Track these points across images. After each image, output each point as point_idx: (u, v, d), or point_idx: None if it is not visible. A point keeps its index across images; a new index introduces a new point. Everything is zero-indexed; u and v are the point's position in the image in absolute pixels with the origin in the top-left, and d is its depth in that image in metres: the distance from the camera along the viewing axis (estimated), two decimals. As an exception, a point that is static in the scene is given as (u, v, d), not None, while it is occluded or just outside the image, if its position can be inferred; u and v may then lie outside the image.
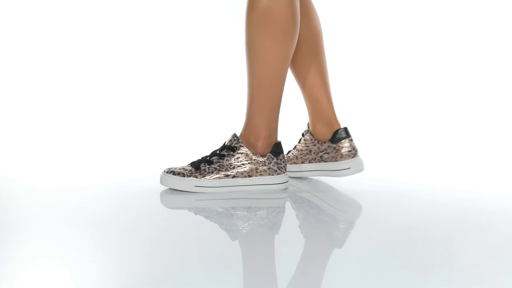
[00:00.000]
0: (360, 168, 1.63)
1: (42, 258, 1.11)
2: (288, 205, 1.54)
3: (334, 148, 1.63)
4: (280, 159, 1.58)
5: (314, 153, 1.66)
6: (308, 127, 1.70)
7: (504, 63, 2.88)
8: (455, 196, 1.63)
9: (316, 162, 1.66)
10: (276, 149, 1.58)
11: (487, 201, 1.58)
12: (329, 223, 1.42)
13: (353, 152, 1.62)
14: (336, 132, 1.64)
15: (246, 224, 1.39)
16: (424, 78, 2.91)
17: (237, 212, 1.49)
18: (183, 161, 1.82)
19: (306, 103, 1.70)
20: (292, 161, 1.72)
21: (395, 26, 2.97)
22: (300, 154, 1.69)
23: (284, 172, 1.58)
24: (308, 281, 1.01)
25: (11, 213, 1.44)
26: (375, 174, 1.72)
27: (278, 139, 1.61)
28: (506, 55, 2.89)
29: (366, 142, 2.44)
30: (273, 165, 1.57)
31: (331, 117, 1.66)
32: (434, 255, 1.16)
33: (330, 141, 1.63)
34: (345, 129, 1.64)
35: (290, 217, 1.46)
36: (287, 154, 1.75)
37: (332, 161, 1.63)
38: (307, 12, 1.66)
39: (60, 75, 2.93)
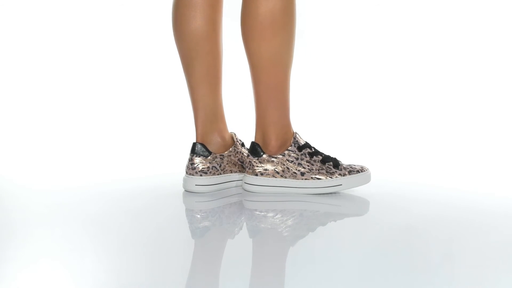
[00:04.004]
0: None
1: (41, 258, 1.11)
2: (287, 205, 1.54)
3: None
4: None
5: None
6: None
7: (504, 63, 2.88)
8: (455, 196, 1.63)
9: None
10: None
11: (487, 201, 1.58)
12: (329, 223, 1.41)
13: None
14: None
15: (246, 223, 1.39)
16: (424, 78, 2.91)
17: (236, 212, 1.49)
18: (183, 161, 1.82)
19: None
20: None
21: (395, 27, 2.97)
22: None
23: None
24: (308, 281, 1.01)
25: (11, 213, 1.44)
26: (375, 174, 1.72)
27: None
28: (506, 55, 2.89)
29: (366, 142, 2.45)
30: None
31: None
32: (434, 255, 1.16)
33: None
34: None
35: (290, 217, 1.46)
36: None
37: None
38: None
39: (59, 75, 2.93)
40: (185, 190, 1.63)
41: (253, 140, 1.64)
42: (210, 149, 1.64)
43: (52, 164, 2.05)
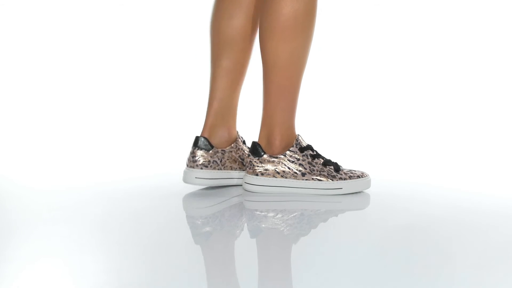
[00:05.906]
0: None
1: (42, 258, 1.11)
2: (288, 205, 1.54)
3: None
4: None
5: None
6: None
7: (504, 64, 2.88)
8: (455, 196, 1.63)
9: None
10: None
11: (487, 201, 1.58)
12: (330, 222, 1.41)
13: None
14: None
15: (247, 224, 1.39)
16: (424, 79, 2.91)
17: (237, 212, 1.49)
18: (183, 161, 1.82)
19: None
20: None
21: (395, 27, 2.97)
22: None
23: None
24: (309, 282, 1.01)
25: (11, 213, 1.44)
26: (375, 174, 1.72)
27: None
28: (505, 56, 2.89)
29: (367, 142, 2.45)
30: None
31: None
32: (434, 256, 1.16)
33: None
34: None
35: (291, 217, 1.46)
36: None
37: None
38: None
39: (59, 75, 2.93)
40: (185, 183, 1.62)
41: (255, 139, 1.64)
42: (214, 143, 1.64)
43: (52, 164, 2.05)
